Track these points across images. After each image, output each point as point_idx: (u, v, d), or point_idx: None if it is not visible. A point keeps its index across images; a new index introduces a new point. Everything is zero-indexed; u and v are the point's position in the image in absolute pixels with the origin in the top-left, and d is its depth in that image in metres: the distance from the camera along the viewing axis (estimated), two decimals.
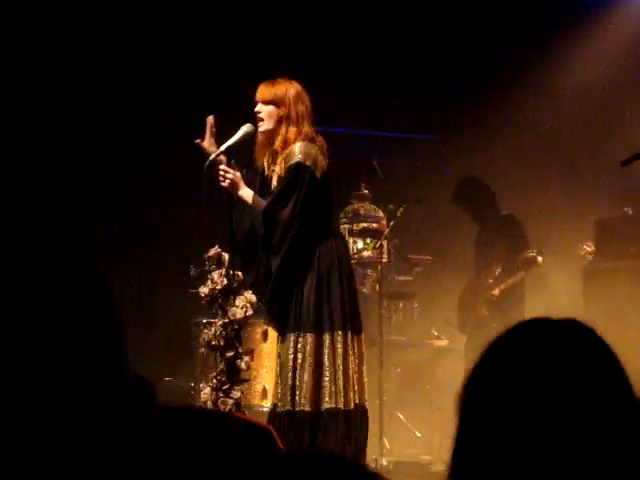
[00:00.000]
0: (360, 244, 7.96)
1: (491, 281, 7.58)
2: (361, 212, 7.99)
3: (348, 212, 7.98)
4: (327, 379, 5.32)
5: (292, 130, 5.38)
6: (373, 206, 8.03)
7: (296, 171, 5.32)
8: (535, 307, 7.51)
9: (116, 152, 8.53)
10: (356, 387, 5.41)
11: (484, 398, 1.29)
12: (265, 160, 5.55)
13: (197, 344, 7.10)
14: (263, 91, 5.44)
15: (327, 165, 5.44)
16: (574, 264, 7.93)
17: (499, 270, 7.55)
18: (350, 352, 5.41)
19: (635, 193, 7.62)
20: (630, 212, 7.46)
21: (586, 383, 1.28)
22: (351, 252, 7.95)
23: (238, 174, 5.43)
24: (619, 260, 7.42)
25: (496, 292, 7.51)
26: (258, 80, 5.56)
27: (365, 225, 7.96)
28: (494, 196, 7.73)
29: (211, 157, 5.37)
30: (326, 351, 5.35)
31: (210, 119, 5.48)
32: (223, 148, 5.40)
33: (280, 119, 5.39)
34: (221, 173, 5.37)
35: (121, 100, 8.47)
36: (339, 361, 5.36)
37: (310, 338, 5.34)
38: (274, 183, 5.49)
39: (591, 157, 8.76)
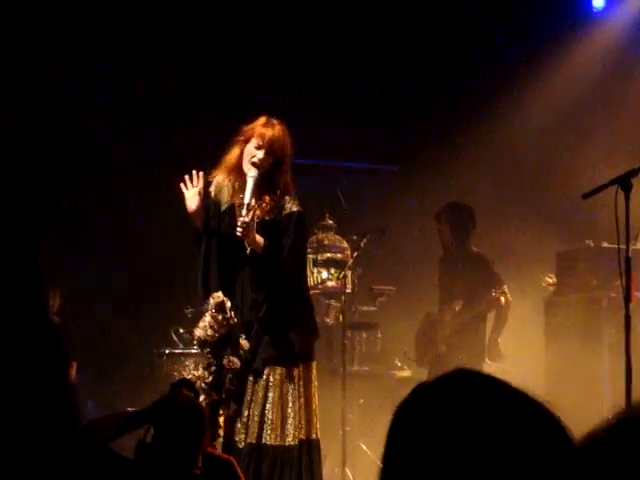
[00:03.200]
0: (324, 274, 7.97)
1: (449, 318, 7.54)
2: (325, 242, 8.01)
3: (312, 242, 8.00)
4: (294, 412, 5.39)
5: (289, 177, 5.55)
6: (337, 236, 8.05)
7: (300, 222, 5.53)
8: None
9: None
10: (315, 419, 5.50)
11: (403, 456, 1.29)
12: (229, 193, 5.59)
13: (160, 374, 7.06)
14: (272, 141, 5.46)
15: None
16: (536, 296, 7.99)
17: (459, 307, 7.51)
18: (313, 384, 5.50)
19: (596, 226, 7.70)
20: (591, 244, 7.53)
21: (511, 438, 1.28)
22: (315, 282, 7.98)
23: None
24: (580, 292, 7.47)
25: (447, 332, 7.49)
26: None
27: (329, 255, 7.97)
28: (472, 229, 7.64)
29: (244, 212, 5.36)
30: (297, 384, 5.42)
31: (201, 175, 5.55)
32: (248, 200, 5.40)
33: (280, 168, 5.50)
34: (241, 224, 5.36)
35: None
36: (309, 392, 5.46)
37: (285, 371, 5.41)
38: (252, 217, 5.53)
39: (553, 189, 8.84)
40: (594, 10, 9.28)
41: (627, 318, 4.65)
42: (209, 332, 5.20)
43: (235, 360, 5.23)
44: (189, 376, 5.27)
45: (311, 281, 7.95)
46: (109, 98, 8.67)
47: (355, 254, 7.59)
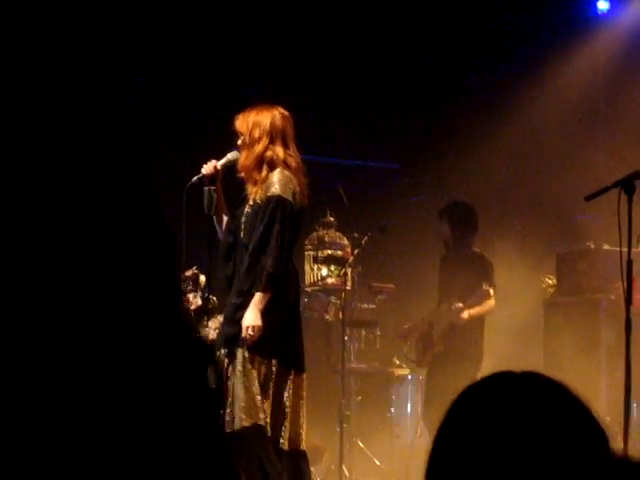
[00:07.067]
0: (324, 271, 7.98)
1: (446, 317, 7.45)
2: (326, 239, 8.01)
3: (313, 239, 8.00)
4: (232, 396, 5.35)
5: (249, 156, 5.46)
6: (338, 234, 8.05)
7: (276, 208, 5.37)
8: (495, 341, 7.51)
9: None
10: (252, 409, 5.30)
11: (452, 456, 1.30)
12: None
13: None
14: (237, 128, 5.54)
15: (304, 196, 5.49)
16: (536, 297, 7.99)
17: (456, 305, 7.44)
18: (252, 374, 5.33)
19: (597, 228, 7.70)
20: (592, 246, 7.53)
21: (556, 437, 1.29)
22: (315, 279, 7.98)
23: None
24: (579, 294, 7.47)
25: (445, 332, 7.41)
26: (235, 108, 5.67)
27: (330, 252, 7.98)
28: (471, 228, 7.54)
29: (193, 179, 5.46)
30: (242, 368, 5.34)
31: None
32: (203, 172, 5.47)
33: (243, 147, 5.52)
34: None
35: None
36: (249, 381, 5.32)
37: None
38: (247, 206, 5.53)
39: (555, 190, 8.85)
40: (599, 13, 9.28)
41: (628, 321, 4.65)
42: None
43: (211, 332, 5.29)
44: None
45: (311, 278, 7.97)
46: None
47: (356, 252, 7.58)
